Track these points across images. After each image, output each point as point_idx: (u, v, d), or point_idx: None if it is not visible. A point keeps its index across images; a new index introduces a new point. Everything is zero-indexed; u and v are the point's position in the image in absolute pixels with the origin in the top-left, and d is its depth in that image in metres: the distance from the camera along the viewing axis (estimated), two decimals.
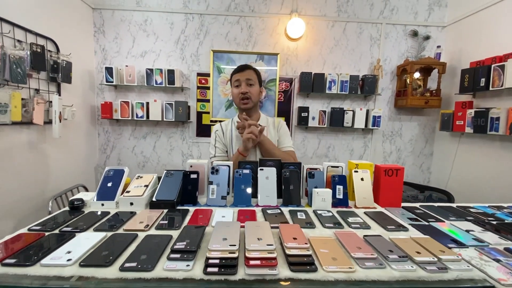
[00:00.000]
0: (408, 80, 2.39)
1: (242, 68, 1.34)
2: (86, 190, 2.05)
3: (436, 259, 0.64)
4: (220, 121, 1.50)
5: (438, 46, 2.42)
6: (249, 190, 1.03)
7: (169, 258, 0.61)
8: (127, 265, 0.58)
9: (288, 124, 2.53)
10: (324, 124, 2.44)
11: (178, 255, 0.62)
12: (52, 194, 1.80)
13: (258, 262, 0.60)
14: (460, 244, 0.77)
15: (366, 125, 2.44)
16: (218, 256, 0.60)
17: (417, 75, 2.42)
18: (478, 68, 1.99)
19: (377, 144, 2.61)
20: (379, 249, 0.68)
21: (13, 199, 1.64)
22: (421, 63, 2.34)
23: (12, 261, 0.58)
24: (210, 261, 0.59)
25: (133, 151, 2.56)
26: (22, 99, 1.61)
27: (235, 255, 0.60)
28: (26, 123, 1.68)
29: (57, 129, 1.77)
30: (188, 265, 0.59)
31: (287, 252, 0.64)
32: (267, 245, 0.64)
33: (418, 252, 0.67)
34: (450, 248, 0.73)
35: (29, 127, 1.73)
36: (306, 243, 0.66)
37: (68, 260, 0.59)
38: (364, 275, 0.58)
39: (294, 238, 0.69)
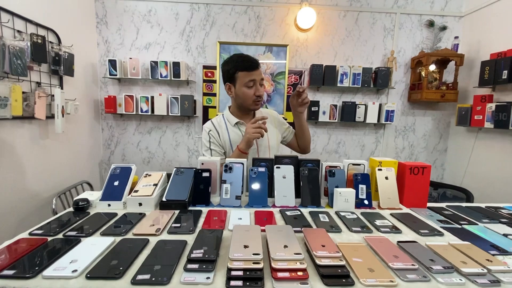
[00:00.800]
0: (423, 73, 2.29)
1: (255, 66, 1.19)
2: (91, 186, 2.00)
3: (485, 270, 0.57)
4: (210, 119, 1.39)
5: (456, 37, 2.30)
6: (265, 190, 0.96)
7: (186, 269, 0.54)
8: (139, 277, 0.52)
9: None
10: (335, 119, 2.36)
11: (196, 266, 0.55)
12: (56, 191, 1.75)
13: (286, 274, 0.53)
14: (503, 251, 0.69)
15: (378, 120, 2.35)
16: (241, 267, 0.53)
17: (432, 67, 2.31)
18: (500, 59, 1.89)
19: (389, 140, 2.52)
20: (418, 258, 0.61)
21: (15, 197, 1.59)
22: (437, 54, 2.23)
23: (11, 272, 0.52)
24: (233, 272, 0.52)
25: (138, 146, 2.50)
26: (23, 92, 1.54)
27: (260, 266, 0.54)
28: (28, 118, 1.61)
29: (59, 124, 1.70)
30: (208, 278, 0.52)
31: (318, 262, 0.56)
32: (295, 253, 0.57)
33: (463, 262, 0.59)
34: (493, 255, 0.66)
35: (30, 122, 1.66)
36: (337, 252, 0.59)
37: (74, 271, 0.53)
38: None
39: (323, 246, 0.62)
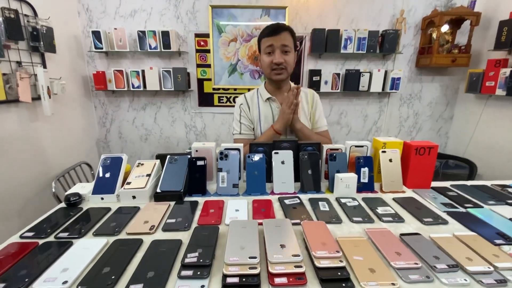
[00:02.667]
0: (434, 35, 2.10)
1: (276, 31, 1.06)
2: (90, 167, 1.99)
3: (491, 268, 0.55)
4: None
5: None
6: (263, 177, 0.92)
7: (180, 277, 0.52)
8: (132, 287, 0.50)
9: None
10: (338, 89, 2.23)
11: (190, 272, 0.53)
12: (54, 173, 1.74)
13: (284, 279, 0.51)
14: (508, 240, 0.67)
15: (383, 88, 2.23)
16: (236, 273, 0.51)
17: (445, 28, 2.11)
18: None
19: (393, 109, 2.42)
20: (421, 254, 0.59)
21: (14, 182, 1.58)
22: (452, 13, 2.02)
23: (1, 286, 0.50)
24: (228, 279, 0.51)
25: (134, 123, 2.43)
26: (4, 74, 1.44)
27: (256, 271, 0.52)
28: (14, 101, 1.53)
29: (47, 106, 1.62)
30: (203, 286, 0.50)
31: (317, 264, 0.54)
32: (293, 255, 0.54)
33: (469, 259, 0.57)
34: (497, 245, 0.64)
35: (17, 105, 1.58)
36: (338, 251, 0.57)
37: (64, 282, 0.51)
38: None
39: (323, 243, 0.59)
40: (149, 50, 2.11)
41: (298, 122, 1.14)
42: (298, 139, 1.12)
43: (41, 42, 1.67)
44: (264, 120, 1.20)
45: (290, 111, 1.10)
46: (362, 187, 0.93)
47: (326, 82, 2.22)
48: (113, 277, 0.52)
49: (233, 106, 1.28)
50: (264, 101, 1.21)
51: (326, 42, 2.13)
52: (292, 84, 1.24)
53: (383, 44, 2.14)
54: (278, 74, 1.12)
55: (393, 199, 0.88)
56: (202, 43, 2.25)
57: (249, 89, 2.04)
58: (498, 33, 1.85)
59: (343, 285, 0.51)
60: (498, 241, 0.65)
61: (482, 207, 0.85)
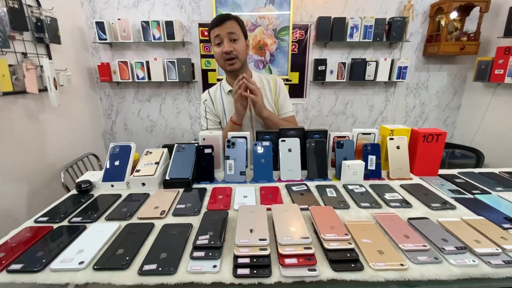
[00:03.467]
0: (442, 22, 2.06)
1: (221, 20, 1.07)
2: (97, 158, 2.01)
3: (499, 250, 0.55)
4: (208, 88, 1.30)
5: None
6: (270, 164, 0.93)
7: (192, 257, 0.54)
8: (146, 267, 0.51)
9: (302, 80, 2.32)
10: (343, 79, 2.21)
11: (202, 253, 0.54)
12: (62, 164, 1.76)
13: (294, 260, 0.52)
14: None
15: (389, 77, 2.20)
16: (247, 254, 0.53)
17: (454, 15, 2.06)
18: None
19: (400, 98, 2.39)
20: (429, 237, 0.59)
21: (23, 173, 1.61)
22: (462, 0, 1.97)
23: (19, 266, 0.52)
24: (240, 260, 0.52)
25: (139, 115, 2.44)
26: (10, 65, 1.44)
27: (266, 252, 0.53)
28: (21, 93, 1.54)
29: (54, 98, 1.63)
30: (215, 266, 0.52)
31: (326, 246, 0.55)
32: (302, 238, 0.55)
33: (477, 241, 0.58)
34: (505, 229, 0.64)
35: (24, 97, 1.59)
36: (346, 234, 0.57)
37: (81, 262, 0.52)
38: (419, 273, 0.50)
39: (331, 227, 0.60)
40: (153, 40, 2.10)
41: (265, 110, 1.11)
42: (266, 127, 1.13)
43: (46, 33, 1.67)
44: (228, 113, 1.20)
45: (239, 102, 1.07)
46: (369, 174, 0.94)
47: (331, 72, 2.19)
48: (127, 258, 0.54)
49: None
50: (226, 94, 1.21)
51: (332, 30, 2.09)
52: (254, 73, 1.24)
53: (390, 32, 2.10)
54: (231, 65, 1.11)
55: (401, 185, 0.88)
56: (206, 33, 2.23)
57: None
58: (508, 19, 1.80)
59: (352, 265, 0.52)
60: (506, 225, 0.66)
61: (490, 193, 0.85)
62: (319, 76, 2.19)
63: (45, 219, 0.69)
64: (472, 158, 1.95)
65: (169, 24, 2.05)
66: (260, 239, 0.55)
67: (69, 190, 1.50)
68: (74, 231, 0.63)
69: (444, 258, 0.54)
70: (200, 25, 2.22)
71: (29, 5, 1.60)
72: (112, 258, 0.54)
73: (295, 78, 2.33)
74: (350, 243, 0.55)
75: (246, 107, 1.11)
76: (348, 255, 0.54)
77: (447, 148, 2.10)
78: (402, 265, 0.51)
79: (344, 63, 2.18)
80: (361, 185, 0.87)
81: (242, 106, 1.08)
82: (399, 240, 0.58)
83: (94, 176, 0.91)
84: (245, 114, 1.13)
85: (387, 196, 0.80)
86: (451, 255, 0.54)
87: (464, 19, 2.14)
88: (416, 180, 0.94)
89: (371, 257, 0.53)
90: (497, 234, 0.60)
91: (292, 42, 2.23)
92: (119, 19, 2.05)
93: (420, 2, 2.16)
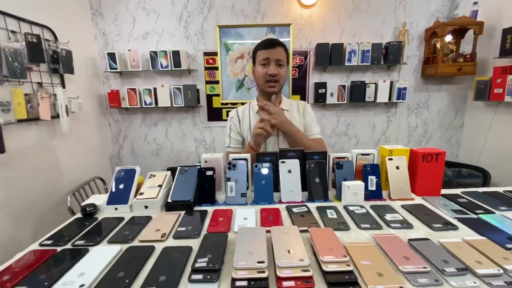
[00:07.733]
0: (438, 45, 2.13)
1: (272, 44, 1.14)
2: (103, 181, 2.05)
3: (501, 271, 0.54)
4: (235, 106, 1.35)
5: (475, 3, 2.10)
6: (270, 186, 0.94)
7: (190, 280, 0.54)
8: None
9: None
10: (344, 100, 2.26)
11: (200, 276, 0.55)
12: (70, 188, 1.80)
13: (292, 283, 0.52)
14: None
15: (389, 98, 2.24)
16: (245, 277, 0.53)
17: (449, 38, 2.14)
18: None
19: (402, 119, 2.42)
20: (430, 258, 0.58)
21: (31, 197, 1.64)
22: (454, 24, 2.05)
23: None
24: (237, 283, 0.52)
25: (146, 139, 2.51)
26: (26, 94, 1.54)
27: (264, 275, 0.53)
28: (34, 120, 1.62)
29: (65, 124, 1.71)
30: None
31: (324, 268, 0.55)
32: (300, 260, 0.55)
33: (478, 262, 0.57)
34: (508, 249, 0.63)
35: (37, 123, 1.68)
36: (345, 256, 0.57)
37: (81, 286, 0.53)
38: None
39: (330, 249, 0.60)
40: (160, 69, 2.22)
41: (285, 125, 1.11)
42: (289, 143, 1.15)
43: (61, 64, 1.79)
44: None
45: (258, 125, 1.06)
46: (370, 195, 0.94)
47: (332, 94, 2.25)
48: (127, 280, 0.54)
49: None
50: (255, 113, 1.25)
51: (330, 55, 2.18)
52: (285, 98, 1.29)
53: (387, 55, 2.18)
54: (272, 87, 1.17)
55: (402, 206, 0.88)
56: (210, 61, 2.35)
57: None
58: (502, 41, 1.86)
59: None
60: (509, 246, 0.64)
61: (494, 213, 0.84)
62: (320, 99, 2.25)
63: (49, 242, 0.71)
64: (479, 177, 1.91)
65: (176, 54, 2.18)
66: (258, 262, 0.55)
67: (74, 214, 1.53)
68: (77, 254, 0.65)
69: (445, 280, 0.53)
70: (205, 53, 2.34)
71: (46, 39, 1.74)
72: (112, 281, 0.55)
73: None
74: (349, 265, 0.55)
75: (265, 139, 1.11)
76: (347, 277, 0.53)
77: (453, 167, 2.08)
78: (402, 287, 0.51)
79: (344, 86, 2.24)
80: (362, 206, 0.87)
81: (261, 136, 1.08)
82: (399, 262, 0.57)
83: (99, 199, 0.94)
84: (262, 144, 1.14)
85: (388, 217, 0.79)
86: (452, 276, 0.53)
87: (459, 41, 2.21)
88: (418, 200, 0.93)
89: (370, 280, 0.53)
90: (499, 255, 0.59)
91: (293, 67, 2.33)
92: (129, 50, 2.19)
93: (415, 27, 2.25)
